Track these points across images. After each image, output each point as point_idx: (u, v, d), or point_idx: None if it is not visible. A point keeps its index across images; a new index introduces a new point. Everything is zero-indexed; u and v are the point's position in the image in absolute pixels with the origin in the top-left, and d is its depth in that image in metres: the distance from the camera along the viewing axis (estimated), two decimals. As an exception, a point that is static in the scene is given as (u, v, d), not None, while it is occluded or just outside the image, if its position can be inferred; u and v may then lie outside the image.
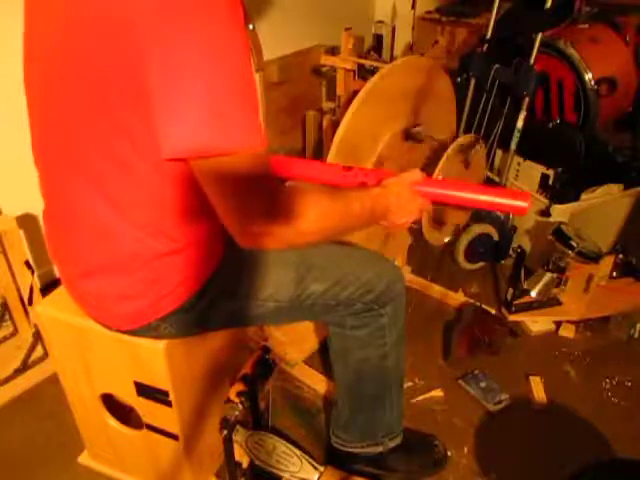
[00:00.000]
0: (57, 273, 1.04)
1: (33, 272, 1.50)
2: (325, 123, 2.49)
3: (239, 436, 1.09)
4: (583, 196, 1.89)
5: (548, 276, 1.75)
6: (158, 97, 0.68)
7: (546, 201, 1.90)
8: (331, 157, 1.31)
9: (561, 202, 1.87)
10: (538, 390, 1.52)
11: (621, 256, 1.83)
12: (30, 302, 1.52)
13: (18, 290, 1.54)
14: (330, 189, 0.90)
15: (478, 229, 1.96)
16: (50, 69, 0.80)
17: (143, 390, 1.06)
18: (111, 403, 1.17)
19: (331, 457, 1.29)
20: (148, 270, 0.88)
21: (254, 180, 0.73)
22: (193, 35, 0.65)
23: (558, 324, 1.77)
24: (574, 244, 1.66)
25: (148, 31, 0.65)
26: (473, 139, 1.56)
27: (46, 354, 1.58)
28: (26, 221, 1.67)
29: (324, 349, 1.54)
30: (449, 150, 1.44)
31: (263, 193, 0.74)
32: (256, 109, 0.72)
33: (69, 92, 0.78)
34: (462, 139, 1.51)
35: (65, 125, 0.81)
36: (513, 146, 1.91)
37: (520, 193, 1.02)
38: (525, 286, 1.78)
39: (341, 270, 1.04)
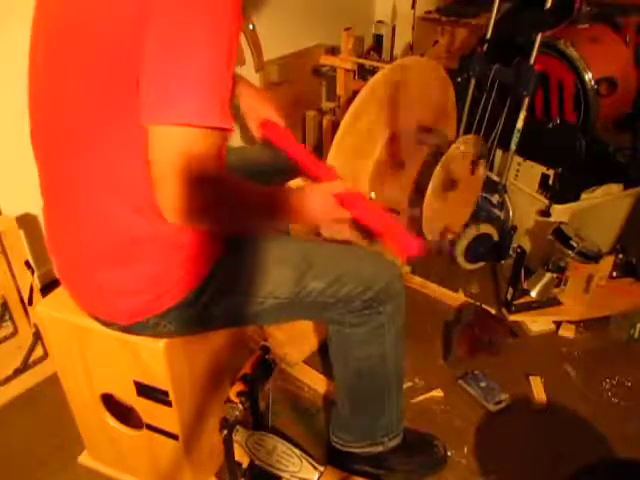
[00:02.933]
0: (55, 270, 1.04)
1: (33, 272, 1.50)
2: (325, 123, 2.49)
3: (239, 436, 1.09)
4: (583, 196, 1.89)
5: (548, 276, 1.75)
6: (153, 67, 0.73)
7: (546, 201, 1.90)
8: (331, 155, 1.31)
9: (561, 202, 1.86)
10: (538, 390, 1.52)
11: (621, 256, 1.83)
12: (30, 302, 1.52)
13: (18, 290, 1.53)
14: (258, 189, 0.92)
15: (478, 229, 1.96)
16: (54, 56, 0.82)
17: (143, 390, 1.06)
18: (111, 403, 1.17)
19: (331, 457, 1.29)
20: (148, 264, 0.89)
21: (213, 157, 0.78)
22: (196, 14, 0.72)
23: (558, 324, 1.77)
24: (574, 244, 1.66)
25: (156, 9, 0.71)
26: (472, 140, 1.56)
27: (46, 354, 1.58)
28: (26, 221, 1.67)
29: (324, 349, 1.54)
30: (445, 157, 1.44)
31: (215, 171, 0.79)
32: (228, 95, 0.78)
33: (72, 69, 0.80)
34: (460, 143, 1.51)
35: (67, 104, 0.82)
36: (513, 146, 1.91)
37: (414, 243, 1.00)
38: (525, 286, 1.78)
39: (340, 268, 1.05)
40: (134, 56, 0.73)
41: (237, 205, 0.88)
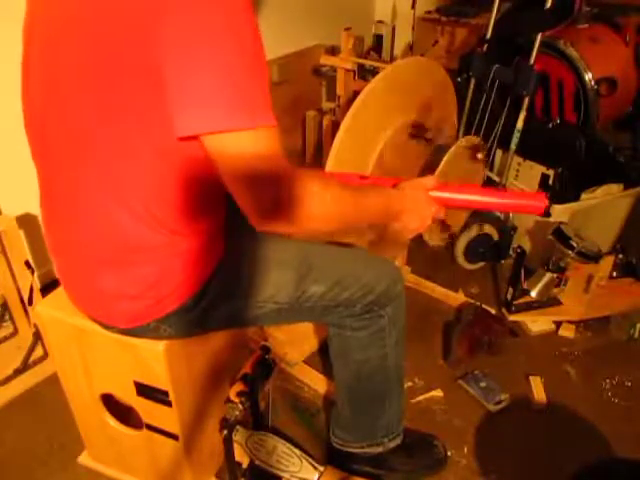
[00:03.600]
0: (56, 271, 1.04)
1: (33, 272, 1.50)
2: (325, 123, 2.49)
3: (239, 436, 1.09)
4: (583, 196, 1.89)
5: (548, 276, 1.75)
6: (173, 72, 0.68)
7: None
8: (332, 152, 1.31)
9: (561, 202, 1.86)
10: (538, 390, 1.52)
11: (621, 256, 1.83)
12: (30, 302, 1.52)
13: (18, 290, 1.53)
14: (346, 181, 0.90)
15: (478, 229, 1.96)
16: (52, 50, 0.80)
17: (143, 390, 1.06)
18: (111, 403, 1.16)
19: (331, 457, 1.29)
20: (148, 270, 0.88)
21: (268, 158, 0.73)
22: (213, 11, 0.67)
23: (558, 324, 1.77)
24: (574, 244, 1.66)
25: (166, 13, 0.67)
26: (472, 141, 1.56)
27: (46, 354, 1.57)
28: (26, 221, 1.67)
29: (324, 349, 1.54)
30: (447, 156, 1.44)
31: (277, 171, 0.74)
32: (268, 88, 0.73)
33: (74, 72, 0.78)
34: (460, 143, 1.51)
35: (68, 107, 0.80)
36: (513, 146, 1.91)
37: (538, 195, 1.05)
38: (525, 286, 1.78)
39: (341, 271, 1.04)
40: (142, 59, 0.70)
41: (322, 200, 0.80)
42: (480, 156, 1.53)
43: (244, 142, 0.71)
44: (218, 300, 0.96)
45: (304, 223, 0.79)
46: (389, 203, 0.95)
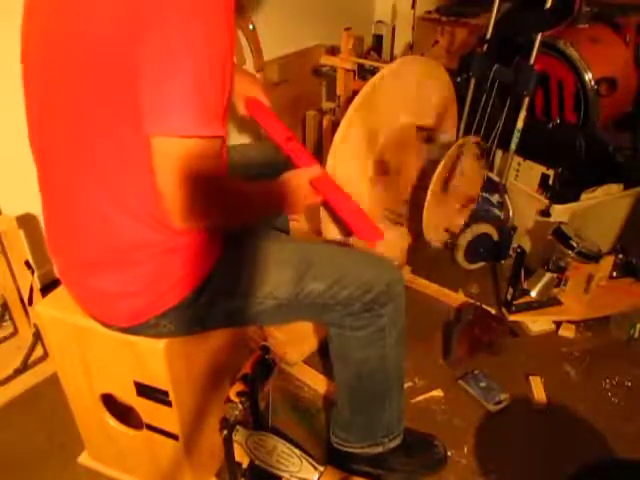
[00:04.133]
0: (56, 271, 1.04)
1: (33, 272, 1.50)
2: (325, 123, 2.48)
3: (239, 436, 1.09)
4: (583, 196, 1.89)
5: (548, 276, 1.75)
6: (147, 77, 0.73)
7: (546, 201, 1.90)
8: (333, 150, 1.32)
9: (561, 202, 1.86)
10: (538, 390, 1.52)
11: (621, 256, 1.83)
12: (30, 302, 1.52)
13: (18, 290, 1.53)
14: (249, 188, 1.00)
15: (478, 229, 1.95)
16: (49, 56, 0.82)
17: (143, 390, 1.06)
18: (111, 403, 1.17)
19: (331, 457, 1.29)
20: (148, 266, 0.89)
21: (212, 165, 0.81)
22: (189, 25, 0.72)
23: (558, 324, 1.77)
24: (574, 244, 1.66)
25: (152, 15, 0.72)
26: (472, 141, 1.56)
27: (46, 354, 1.57)
28: (26, 221, 1.67)
29: (324, 349, 1.54)
30: (446, 156, 1.44)
31: (213, 178, 0.82)
32: (226, 100, 0.80)
33: (70, 75, 0.80)
34: (460, 144, 1.51)
35: (65, 110, 0.82)
36: (513, 146, 1.91)
37: (375, 231, 1.14)
38: (525, 286, 1.78)
39: (340, 269, 1.05)
40: (130, 67, 0.74)
41: (237, 204, 0.94)
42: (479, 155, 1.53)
43: (198, 147, 0.77)
44: (217, 296, 0.96)
45: (207, 223, 0.88)
46: (272, 199, 1.07)
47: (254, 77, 1.42)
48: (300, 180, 1.11)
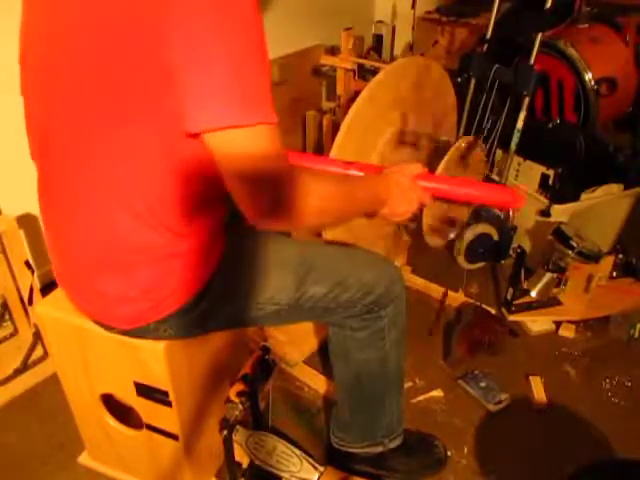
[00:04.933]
0: (55, 275, 1.04)
1: (33, 272, 1.50)
2: (325, 123, 2.48)
3: (239, 436, 1.09)
4: (583, 196, 1.89)
5: (548, 276, 1.75)
6: (183, 70, 0.70)
7: (546, 201, 1.90)
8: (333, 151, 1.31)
9: (561, 202, 1.86)
10: (538, 390, 1.52)
11: (621, 256, 1.83)
12: (30, 302, 1.52)
13: (18, 290, 1.53)
14: (334, 174, 0.94)
15: (478, 229, 1.95)
16: (55, 52, 0.80)
17: (143, 390, 1.06)
18: (111, 403, 1.16)
19: (331, 457, 1.29)
20: (148, 271, 0.88)
21: (270, 155, 0.75)
22: (222, 9, 0.68)
23: (558, 324, 1.77)
24: (574, 244, 1.66)
25: (175, 9, 0.68)
26: (472, 141, 1.56)
27: (46, 354, 1.57)
28: (26, 221, 1.67)
29: (324, 349, 1.54)
30: (447, 156, 1.44)
31: (278, 169, 0.76)
32: (270, 86, 0.75)
33: (79, 74, 0.78)
34: (460, 144, 1.51)
35: (69, 109, 0.81)
36: (513, 146, 1.91)
37: (513, 192, 1.09)
38: (525, 286, 1.78)
39: (341, 272, 1.04)
40: (151, 59, 0.71)
41: (314, 194, 0.82)
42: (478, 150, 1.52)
43: (249, 139, 0.72)
44: (218, 301, 0.96)
45: (302, 219, 0.81)
46: (376, 190, 0.99)
47: None
48: (408, 175, 1.04)
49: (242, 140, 0.72)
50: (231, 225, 0.98)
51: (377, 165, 1.15)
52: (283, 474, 1.12)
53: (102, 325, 0.98)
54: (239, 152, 0.73)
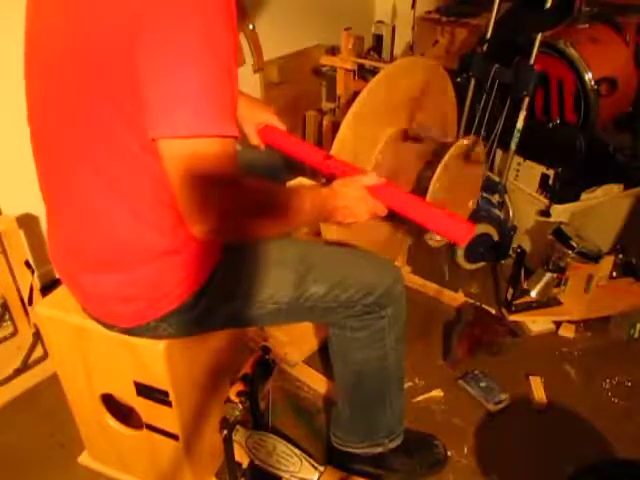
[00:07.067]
0: (56, 271, 1.04)
1: (33, 272, 1.50)
2: (325, 123, 2.48)
3: (239, 436, 1.09)
4: (583, 196, 1.89)
5: (548, 276, 1.75)
6: (148, 79, 0.72)
7: (546, 201, 1.90)
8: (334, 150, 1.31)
9: (561, 202, 1.87)
10: (538, 390, 1.52)
11: (621, 256, 1.83)
12: (30, 302, 1.52)
13: (18, 290, 1.54)
14: (283, 189, 0.95)
15: (478, 229, 1.95)
16: (51, 57, 0.82)
17: (143, 390, 1.06)
18: (111, 403, 1.17)
19: (331, 457, 1.29)
20: (148, 270, 0.88)
21: (221, 165, 0.76)
22: (188, 24, 0.70)
23: (558, 324, 1.77)
24: (574, 244, 1.66)
25: (147, 19, 0.70)
26: (472, 141, 1.56)
27: (46, 354, 1.57)
28: (26, 221, 1.67)
29: (324, 349, 1.54)
30: (447, 156, 1.44)
31: (227, 179, 0.77)
32: (236, 100, 0.77)
33: (71, 78, 0.79)
34: (462, 142, 1.51)
35: (67, 112, 0.82)
36: (513, 146, 1.91)
37: (465, 224, 1.02)
38: (525, 286, 1.78)
39: (341, 272, 1.04)
40: (129, 70, 0.72)
41: (262, 208, 0.86)
42: (479, 152, 1.52)
43: (208, 148, 0.74)
44: (217, 300, 0.96)
45: (233, 231, 0.84)
46: (321, 204, 0.99)
47: (263, 103, 1.34)
48: (357, 187, 1.03)
49: (204, 149, 0.74)
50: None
51: (353, 166, 1.12)
52: (283, 474, 1.12)
53: (103, 323, 0.99)
54: (196, 160, 0.74)
